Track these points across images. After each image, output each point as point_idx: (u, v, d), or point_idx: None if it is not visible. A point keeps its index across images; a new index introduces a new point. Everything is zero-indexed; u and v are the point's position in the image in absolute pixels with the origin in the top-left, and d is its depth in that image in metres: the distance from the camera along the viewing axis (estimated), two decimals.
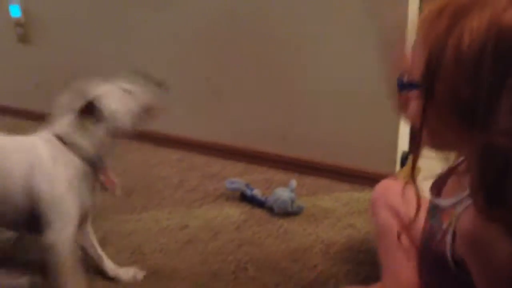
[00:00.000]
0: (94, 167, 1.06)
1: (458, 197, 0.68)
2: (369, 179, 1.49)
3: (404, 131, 1.50)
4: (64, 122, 1.04)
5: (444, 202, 0.72)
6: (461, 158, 0.76)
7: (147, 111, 1.08)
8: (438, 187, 0.78)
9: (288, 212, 1.39)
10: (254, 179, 1.59)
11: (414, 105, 0.64)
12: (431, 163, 1.61)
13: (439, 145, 0.69)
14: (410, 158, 1.56)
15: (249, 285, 1.13)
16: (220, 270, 1.18)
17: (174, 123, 1.84)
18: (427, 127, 0.63)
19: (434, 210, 0.76)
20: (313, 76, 1.53)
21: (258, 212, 1.42)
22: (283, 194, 1.40)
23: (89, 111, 1.02)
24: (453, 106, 0.59)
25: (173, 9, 1.70)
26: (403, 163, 1.53)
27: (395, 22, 1.34)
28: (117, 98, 1.06)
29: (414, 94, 0.64)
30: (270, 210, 1.41)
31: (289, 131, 1.63)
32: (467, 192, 0.65)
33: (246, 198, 1.47)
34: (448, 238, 0.69)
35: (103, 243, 1.29)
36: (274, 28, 1.55)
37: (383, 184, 1.08)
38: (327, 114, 1.55)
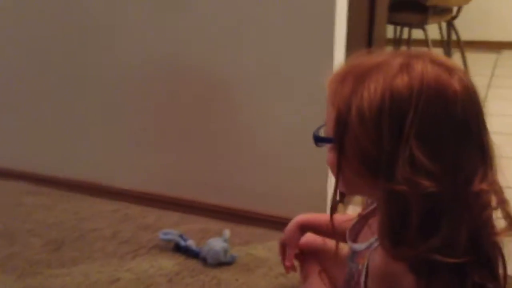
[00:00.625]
0: None
1: (370, 241, 0.74)
2: None
3: (333, 180, 1.56)
4: None
5: (358, 246, 0.78)
6: (371, 206, 0.81)
7: None
8: (355, 233, 0.83)
9: (221, 262, 1.40)
10: (190, 229, 1.59)
11: (330, 156, 0.72)
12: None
13: (354, 192, 0.78)
14: (340, 206, 1.62)
15: None
16: None
17: (108, 173, 1.83)
18: (342, 176, 0.71)
19: (352, 255, 0.81)
20: (245, 129, 1.58)
21: (192, 263, 1.41)
22: (216, 244, 1.41)
23: None
24: (361, 159, 0.67)
25: (107, 57, 1.72)
26: (332, 212, 1.58)
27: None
28: None
29: (329, 146, 0.72)
30: (204, 260, 1.41)
31: (224, 181, 1.65)
32: (377, 235, 0.70)
33: (180, 249, 1.47)
34: (362, 278, 0.74)
35: None
36: (210, 77, 1.59)
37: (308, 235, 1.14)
38: (261, 164, 1.59)
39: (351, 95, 0.65)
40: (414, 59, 0.65)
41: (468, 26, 3.27)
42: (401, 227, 0.63)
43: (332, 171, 0.73)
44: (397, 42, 3.42)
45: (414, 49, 0.70)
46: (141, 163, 1.77)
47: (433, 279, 0.64)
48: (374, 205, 0.81)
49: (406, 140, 0.61)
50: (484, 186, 0.63)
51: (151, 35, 1.62)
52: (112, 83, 1.74)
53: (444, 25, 3.20)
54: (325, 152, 1.43)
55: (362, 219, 0.84)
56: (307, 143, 1.47)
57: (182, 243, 1.46)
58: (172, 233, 1.49)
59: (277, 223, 1.58)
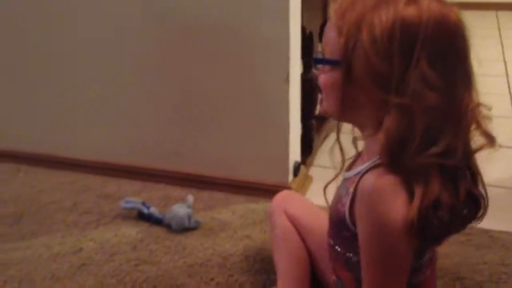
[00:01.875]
0: None
1: (360, 168, 0.79)
2: (263, 190, 1.55)
3: (294, 142, 1.58)
4: None
5: (349, 173, 0.83)
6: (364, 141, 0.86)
7: None
8: (351, 164, 0.89)
9: (185, 228, 1.40)
10: (152, 197, 1.58)
11: (327, 77, 0.79)
12: (324, 172, 1.71)
13: (348, 115, 0.81)
14: (302, 168, 1.65)
15: None
16: None
17: (65, 145, 1.79)
18: (342, 97, 0.76)
19: (343, 182, 0.86)
20: (204, 91, 1.56)
21: (156, 230, 1.41)
22: (180, 210, 1.41)
23: None
24: (372, 77, 0.73)
25: (56, 29, 1.65)
26: (295, 173, 1.60)
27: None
28: None
29: (326, 68, 0.79)
30: (168, 227, 1.41)
31: (185, 148, 1.64)
32: (368, 162, 0.77)
33: (143, 217, 1.46)
34: (348, 199, 0.79)
35: None
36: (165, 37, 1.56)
37: (282, 194, 1.17)
38: (220, 128, 1.59)
39: (362, 20, 0.72)
40: None
41: None
42: (407, 138, 0.71)
43: (330, 91, 0.79)
44: None
45: None
46: (98, 133, 1.74)
47: (429, 185, 0.71)
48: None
49: (416, 60, 0.70)
50: (472, 103, 0.74)
51: None
52: (66, 52, 1.68)
53: None
54: (280, 114, 1.45)
55: (357, 154, 0.89)
56: (267, 105, 1.49)
57: (145, 210, 1.45)
58: (134, 201, 1.47)
59: (239, 187, 1.60)
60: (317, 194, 1.56)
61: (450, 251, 0.92)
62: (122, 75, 1.64)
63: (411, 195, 0.71)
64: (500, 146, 0.78)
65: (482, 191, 0.79)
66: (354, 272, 0.84)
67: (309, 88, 1.65)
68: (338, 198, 0.85)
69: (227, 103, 1.54)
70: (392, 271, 0.76)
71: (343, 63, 0.74)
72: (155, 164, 1.69)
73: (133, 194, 1.58)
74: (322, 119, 2.02)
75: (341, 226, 0.83)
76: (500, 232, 1.35)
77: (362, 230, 0.76)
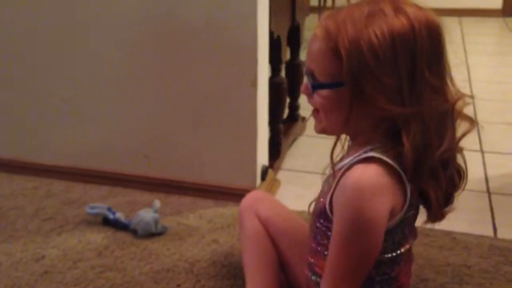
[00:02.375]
0: None
1: (343, 163, 0.82)
2: (232, 194, 1.54)
3: (262, 146, 1.58)
4: None
5: (337, 166, 0.84)
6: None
7: None
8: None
9: (152, 233, 1.38)
10: (119, 202, 1.55)
11: (323, 99, 0.81)
12: (292, 176, 1.71)
13: (347, 126, 0.81)
14: (270, 171, 1.64)
15: None
16: None
17: (28, 149, 1.74)
18: (342, 114, 0.78)
19: (328, 177, 0.89)
20: (172, 95, 1.55)
21: (122, 236, 1.39)
22: (146, 215, 1.39)
23: None
24: (381, 93, 0.75)
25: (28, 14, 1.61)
26: (263, 177, 1.60)
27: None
28: None
29: (323, 91, 0.80)
30: (134, 232, 1.39)
31: (152, 152, 1.62)
32: (349, 158, 0.81)
33: (108, 223, 1.43)
34: (330, 191, 0.81)
35: None
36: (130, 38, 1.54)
37: (251, 195, 1.15)
38: (188, 131, 1.57)
39: (359, 38, 0.74)
40: (402, 4, 0.76)
41: None
42: (428, 144, 0.76)
43: (331, 111, 0.81)
44: (321, 10, 3.47)
45: None
46: (64, 137, 1.70)
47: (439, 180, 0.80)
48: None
49: (420, 68, 0.74)
50: (457, 93, 0.80)
51: None
52: (28, 53, 1.64)
53: None
54: (247, 118, 1.45)
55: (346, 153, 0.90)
56: (235, 109, 1.48)
57: (111, 216, 1.42)
58: (99, 207, 1.44)
59: (207, 191, 1.59)
60: (285, 198, 1.58)
61: (414, 253, 0.93)
62: (86, 78, 1.61)
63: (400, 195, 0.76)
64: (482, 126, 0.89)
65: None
66: None
67: (277, 92, 1.66)
68: (322, 192, 0.88)
69: (195, 107, 1.53)
70: (356, 264, 0.78)
71: (350, 84, 0.75)
72: (122, 169, 1.66)
73: (99, 200, 1.55)
74: (290, 122, 2.04)
75: (322, 218, 0.85)
76: (462, 234, 1.37)
77: (337, 219, 0.78)
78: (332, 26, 0.77)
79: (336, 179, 0.80)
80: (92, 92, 1.62)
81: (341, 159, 0.86)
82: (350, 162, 0.79)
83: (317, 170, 0.87)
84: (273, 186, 1.66)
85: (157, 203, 1.44)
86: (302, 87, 0.85)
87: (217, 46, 1.44)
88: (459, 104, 0.80)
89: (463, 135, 0.81)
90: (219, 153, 1.55)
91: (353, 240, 0.77)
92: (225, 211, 1.51)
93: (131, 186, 1.64)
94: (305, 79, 0.85)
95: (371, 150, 0.78)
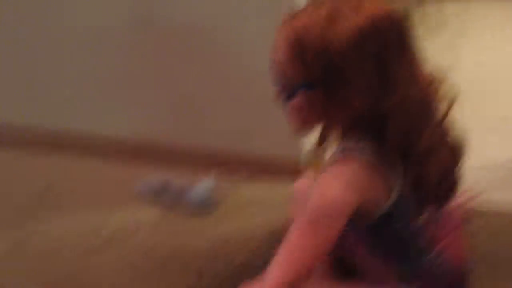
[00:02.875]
0: None
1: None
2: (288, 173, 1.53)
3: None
4: None
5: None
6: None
7: None
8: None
9: (206, 206, 1.39)
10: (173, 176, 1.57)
11: (299, 100, 0.79)
12: None
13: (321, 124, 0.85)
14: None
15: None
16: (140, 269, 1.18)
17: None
18: (315, 114, 0.80)
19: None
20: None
21: (176, 209, 1.40)
22: (203, 186, 1.40)
23: None
24: (353, 90, 0.75)
25: None
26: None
27: None
28: None
29: (296, 96, 0.79)
30: (188, 205, 1.41)
31: (203, 123, 1.63)
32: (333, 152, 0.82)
33: (162, 196, 1.45)
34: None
35: None
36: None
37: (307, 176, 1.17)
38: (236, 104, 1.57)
39: (323, 40, 0.74)
40: (360, 2, 0.76)
41: None
42: (411, 130, 0.76)
43: (303, 112, 0.80)
44: None
45: None
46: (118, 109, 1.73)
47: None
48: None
49: (390, 60, 0.75)
50: (429, 76, 0.80)
51: None
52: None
53: None
54: None
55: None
56: None
57: (167, 188, 1.44)
58: (153, 181, 1.46)
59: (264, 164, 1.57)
60: None
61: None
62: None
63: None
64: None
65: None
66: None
67: None
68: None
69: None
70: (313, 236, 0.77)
71: (321, 87, 0.76)
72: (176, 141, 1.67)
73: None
74: None
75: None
76: None
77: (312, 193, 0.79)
78: (292, 33, 0.76)
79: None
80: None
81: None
82: (331, 158, 0.81)
83: None
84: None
85: (213, 176, 1.43)
86: (275, 95, 0.84)
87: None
88: (435, 87, 0.79)
89: (445, 114, 0.80)
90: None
91: (311, 228, 0.76)
92: (281, 187, 1.50)
93: (186, 160, 1.65)
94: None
95: (351, 146, 0.79)
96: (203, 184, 1.42)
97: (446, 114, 0.81)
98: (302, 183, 1.15)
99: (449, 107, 0.81)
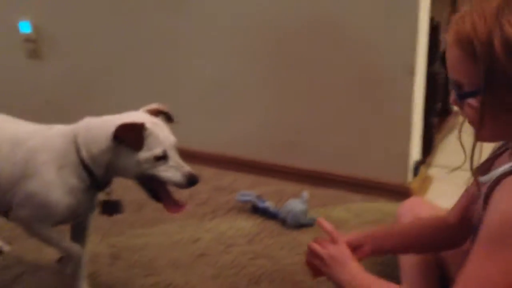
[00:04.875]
0: (98, 185, 1.03)
1: (493, 174, 0.73)
2: (381, 189, 1.48)
3: (415, 140, 1.49)
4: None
5: (483, 178, 0.77)
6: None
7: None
8: (484, 169, 0.80)
9: (300, 224, 1.38)
10: (265, 191, 1.57)
11: (472, 109, 0.70)
12: (444, 173, 1.60)
13: (500, 136, 0.75)
14: (422, 167, 1.55)
15: None
16: (234, 284, 1.17)
17: (182, 135, 1.84)
18: (491, 122, 0.69)
19: (478, 187, 0.79)
20: (323, 83, 1.52)
21: (270, 225, 1.40)
22: (295, 205, 1.39)
23: (129, 136, 0.95)
24: None
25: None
26: (415, 173, 1.52)
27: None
28: (163, 135, 1.00)
29: (471, 100, 0.69)
30: (283, 222, 1.40)
31: (299, 142, 1.62)
32: (504, 167, 0.71)
33: (258, 211, 1.46)
34: (480, 201, 0.74)
35: (114, 257, 1.28)
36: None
37: (412, 199, 1.15)
38: (338, 122, 1.54)
39: (490, 37, 0.65)
40: None
41: None
42: None
43: (477, 122, 0.69)
44: None
45: None
46: (214, 126, 1.77)
47: None
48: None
49: None
50: None
51: None
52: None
53: None
54: (402, 109, 1.37)
55: (491, 158, 0.81)
56: (390, 99, 1.41)
57: (260, 204, 1.45)
58: (250, 194, 1.48)
59: (355, 184, 1.54)
60: (437, 196, 1.48)
61: None
62: (237, 71, 1.66)
63: None
64: None
65: None
66: None
67: (433, 82, 1.55)
68: (477, 205, 0.79)
69: (348, 96, 1.49)
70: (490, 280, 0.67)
71: (485, 91, 0.67)
72: (270, 159, 1.68)
73: (247, 188, 1.59)
74: (442, 116, 1.90)
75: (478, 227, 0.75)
76: None
77: (484, 226, 0.69)
78: (462, 28, 0.68)
79: (485, 192, 0.72)
80: (240, 81, 1.66)
81: (490, 168, 0.77)
82: (498, 176, 0.70)
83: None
84: (425, 183, 1.56)
85: (305, 194, 1.43)
86: (451, 99, 0.75)
87: (373, 31, 1.38)
88: None
89: None
90: (369, 146, 1.50)
91: (495, 251, 0.66)
92: (374, 206, 1.46)
93: (278, 176, 1.66)
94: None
95: None
96: (296, 204, 1.40)
97: None
98: (413, 201, 1.13)
99: None
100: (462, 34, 0.68)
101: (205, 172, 1.74)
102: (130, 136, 0.95)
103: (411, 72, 1.35)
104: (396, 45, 1.35)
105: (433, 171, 1.66)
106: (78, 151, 0.99)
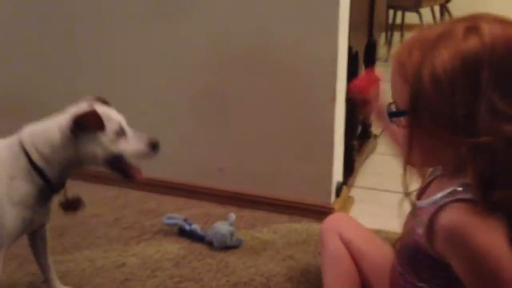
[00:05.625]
0: (53, 188, 1.03)
1: (435, 198, 0.76)
2: (305, 210, 1.53)
3: (337, 163, 1.56)
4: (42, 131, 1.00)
5: (421, 203, 0.80)
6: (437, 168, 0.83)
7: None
8: (420, 193, 0.85)
9: (227, 246, 1.38)
10: (193, 214, 1.57)
11: (404, 131, 0.74)
12: (365, 194, 1.68)
13: (429, 162, 0.80)
14: (344, 188, 1.62)
15: None
16: None
17: None
18: (419, 147, 0.73)
19: (414, 212, 0.83)
20: (247, 108, 1.56)
21: (198, 247, 1.40)
22: (222, 227, 1.40)
23: (90, 120, 0.98)
24: (440, 122, 0.69)
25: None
26: (338, 194, 1.58)
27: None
28: (114, 114, 1.04)
29: (401, 121, 0.74)
30: (210, 244, 1.40)
31: (226, 165, 1.64)
32: (442, 192, 0.74)
33: (184, 233, 1.45)
34: (424, 229, 0.76)
35: (34, 286, 1.23)
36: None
37: (334, 216, 1.17)
38: (263, 145, 1.58)
39: (421, 65, 0.69)
40: (479, 20, 0.68)
41: (461, 9, 3.27)
42: (492, 176, 0.68)
43: (406, 144, 0.74)
44: (390, 27, 3.42)
45: (472, 13, 0.72)
46: None
47: None
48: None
49: (484, 94, 0.66)
50: None
51: None
52: (107, 67, 1.71)
53: (437, 8, 3.21)
54: (324, 134, 1.43)
55: (427, 181, 0.85)
56: (312, 124, 1.47)
57: (187, 227, 1.45)
58: (176, 218, 1.47)
59: (281, 206, 1.58)
60: (359, 216, 1.53)
61: None
62: (164, 93, 1.66)
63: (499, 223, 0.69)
64: None
65: None
66: None
67: (352, 108, 1.64)
68: (412, 230, 0.82)
69: (272, 121, 1.54)
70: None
71: (408, 114, 0.71)
72: (196, 181, 1.68)
73: (174, 211, 1.58)
74: (362, 140, 2.00)
75: (418, 256, 0.80)
76: None
77: (462, 268, 0.72)
78: (402, 52, 0.73)
79: (428, 217, 0.75)
80: (170, 106, 1.66)
81: (426, 193, 0.82)
82: (442, 201, 0.73)
83: (391, 188, 0.83)
84: (347, 203, 1.63)
85: (232, 216, 1.45)
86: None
87: (297, 60, 1.44)
88: None
89: None
90: (294, 168, 1.55)
91: (486, 273, 0.70)
92: (299, 226, 1.50)
93: (205, 199, 1.66)
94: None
95: (460, 188, 0.72)
96: (223, 226, 1.41)
97: None
98: (335, 217, 1.17)
99: None
100: (399, 58, 0.73)
101: (131, 196, 1.72)
102: (91, 120, 0.99)
103: (332, 98, 1.42)
104: (318, 72, 1.42)
105: (354, 192, 1.74)
106: (28, 156, 0.98)
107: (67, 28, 1.72)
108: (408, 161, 0.76)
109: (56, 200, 1.09)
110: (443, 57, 0.67)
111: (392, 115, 0.76)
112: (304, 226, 1.49)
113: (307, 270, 1.28)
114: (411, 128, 0.72)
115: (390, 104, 0.77)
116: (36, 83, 1.83)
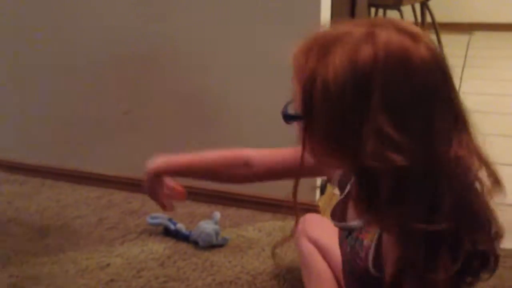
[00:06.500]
0: None
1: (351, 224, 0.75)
2: (290, 208, 1.53)
3: None
4: None
5: (354, 223, 0.76)
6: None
7: None
8: (340, 212, 0.83)
9: (213, 245, 1.38)
10: (177, 213, 1.55)
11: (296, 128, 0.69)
12: None
13: (325, 167, 0.79)
14: (329, 186, 1.62)
15: None
16: None
17: (91, 160, 1.79)
18: (314, 152, 0.68)
19: (349, 233, 0.80)
20: (228, 110, 1.56)
21: (183, 246, 1.40)
22: (207, 226, 1.40)
23: None
24: (326, 135, 0.64)
25: (82, 34, 1.66)
26: (322, 191, 1.59)
27: None
28: None
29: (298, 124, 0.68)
30: (195, 243, 1.40)
31: None
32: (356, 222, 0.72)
33: (169, 233, 1.45)
34: (371, 252, 0.72)
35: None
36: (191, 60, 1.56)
37: (303, 219, 1.13)
38: (246, 144, 1.57)
39: (316, 69, 0.62)
40: (378, 28, 0.61)
41: (441, 7, 3.31)
42: (374, 200, 0.61)
43: (301, 148, 0.70)
44: None
45: (379, 17, 0.69)
46: (123, 149, 1.74)
47: (419, 250, 0.60)
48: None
49: (373, 113, 0.58)
50: (461, 151, 0.60)
51: None
52: (87, 68, 1.70)
53: (418, 6, 3.23)
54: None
55: (344, 198, 0.84)
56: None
57: (172, 226, 1.44)
58: (160, 217, 1.46)
59: (266, 204, 1.58)
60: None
61: None
62: (144, 90, 1.65)
63: None
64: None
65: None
66: None
67: None
68: (352, 252, 0.78)
69: (256, 119, 1.54)
70: None
71: (303, 119, 0.65)
72: (181, 180, 1.67)
73: (157, 211, 1.56)
74: None
75: (364, 279, 0.76)
76: None
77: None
78: (299, 53, 0.65)
79: (372, 240, 0.71)
80: (151, 105, 1.65)
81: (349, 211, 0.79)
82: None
83: None
84: (331, 200, 1.63)
85: (217, 215, 1.44)
86: None
87: (278, 60, 1.44)
88: (469, 164, 0.61)
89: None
90: None
91: None
92: (284, 224, 1.50)
93: (189, 198, 1.64)
94: None
95: None
96: (208, 224, 1.41)
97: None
98: (305, 217, 1.15)
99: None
100: (297, 58, 0.66)
101: (114, 196, 1.71)
102: None
103: None
104: None
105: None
106: None
107: None
108: (302, 167, 0.72)
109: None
110: (337, 64, 0.60)
111: (286, 117, 0.70)
112: (289, 224, 1.48)
113: (292, 268, 1.28)
114: (305, 133, 0.66)
115: (288, 102, 0.70)
116: None
